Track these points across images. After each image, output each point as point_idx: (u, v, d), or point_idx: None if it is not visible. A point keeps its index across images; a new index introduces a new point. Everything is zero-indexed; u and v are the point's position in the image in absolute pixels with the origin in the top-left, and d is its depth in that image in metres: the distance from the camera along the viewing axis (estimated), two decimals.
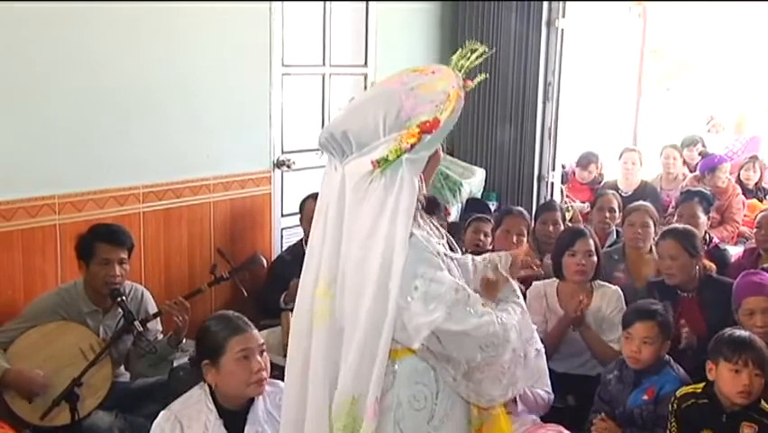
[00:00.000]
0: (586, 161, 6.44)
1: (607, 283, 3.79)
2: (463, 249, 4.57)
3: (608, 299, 3.68)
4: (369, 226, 1.83)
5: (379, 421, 1.85)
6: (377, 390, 1.83)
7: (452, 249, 2.06)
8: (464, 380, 1.90)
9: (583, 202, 6.10)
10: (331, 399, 1.89)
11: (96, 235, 3.34)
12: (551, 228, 4.60)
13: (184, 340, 3.35)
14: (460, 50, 1.96)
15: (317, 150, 1.98)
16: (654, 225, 4.32)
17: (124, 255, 3.36)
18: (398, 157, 1.81)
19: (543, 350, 3.27)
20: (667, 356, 3.15)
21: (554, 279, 3.79)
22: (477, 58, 1.93)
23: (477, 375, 1.90)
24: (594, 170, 6.41)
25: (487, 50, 1.96)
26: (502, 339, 1.87)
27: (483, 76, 1.99)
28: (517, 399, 3.05)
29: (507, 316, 1.94)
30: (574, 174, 6.58)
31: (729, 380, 2.74)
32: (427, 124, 1.82)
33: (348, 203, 1.86)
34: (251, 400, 2.54)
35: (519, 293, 2.09)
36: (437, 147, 1.93)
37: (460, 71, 1.92)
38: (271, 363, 2.59)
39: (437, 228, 2.04)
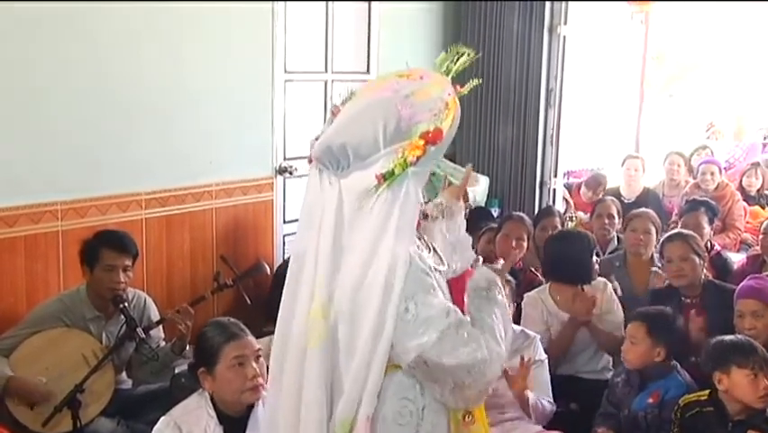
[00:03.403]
0: (596, 183, 6.34)
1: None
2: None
3: (601, 291, 3.73)
4: (371, 243, 1.78)
5: None
6: (369, 408, 1.80)
7: (441, 260, 1.98)
8: (451, 395, 1.85)
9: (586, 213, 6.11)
10: (328, 420, 1.85)
11: (102, 241, 3.34)
12: (550, 234, 4.59)
13: (188, 347, 3.35)
14: (444, 53, 1.92)
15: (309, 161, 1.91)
16: (657, 231, 4.32)
17: (129, 262, 3.36)
18: (404, 170, 1.77)
19: (546, 361, 3.29)
20: (674, 361, 3.14)
21: (544, 285, 3.80)
22: (465, 62, 1.88)
23: (465, 391, 1.85)
24: (601, 192, 6.37)
25: (474, 53, 1.93)
26: (489, 361, 1.81)
27: (476, 81, 1.93)
28: (530, 410, 3.07)
29: (490, 335, 1.85)
30: (579, 189, 6.56)
31: (747, 386, 2.72)
32: (430, 135, 1.79)
33: (347, 218, 1.80)
34: (252, 406, 2.53)
35: (500, 286, 2.00)
36: None
37: (447, 75, 1.88)
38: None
39: (424, 241, 1.98)
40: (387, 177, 1.76)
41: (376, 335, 1.77)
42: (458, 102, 1.85)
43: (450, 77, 1.88)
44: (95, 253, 3.31)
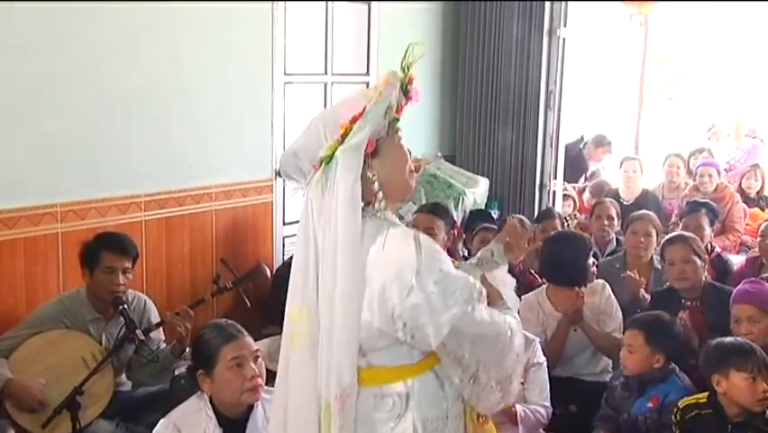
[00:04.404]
0: (599, 190, 6.39)
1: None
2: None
3: (599, 293, 3.73)
4: (322, 234, 1.88)
5: None
6: (337, 388, 1.86)
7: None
8: (470, 383, 1.92)
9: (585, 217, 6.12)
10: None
11: (102, 243, 3.34)
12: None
13: (187, 349, 3.35)
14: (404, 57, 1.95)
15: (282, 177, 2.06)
16: (657, 234, 4.32)
17: (128, 264, 3.36)
18: (334, 152, 1.85)
19: (545, 363, 3.28)
20: (673, 364, 3.14)
21: (541, 288, 3.81)
22: (416, 55, 1.91)
23: (483, 378, 1.92)
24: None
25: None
26: (509, 341, 1.92)
27: (418, 53, 1.92)
28: (518, 420, 3.06)
29: (512, 319, 1.98)
30: (581, 193, 6.57)
31: (747, 389, 2.72)
32: (357, 116, 1.87)
33: (315, 215, 1.90)
34: (251, 408, 2.53)
35: (509, 305, 2.10)
36: (393, 140, 1.94)
37: (407, 71, 1.92)
38: (270, 371, 2.58)
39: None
40: (322, 162, 1.86)
41: (345, 319, 1.84)
42: (393, 81, 1.90)
43: (404, 69, 1.92)
44: (94, 256, 3.31)
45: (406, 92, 1.91)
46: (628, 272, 3.98)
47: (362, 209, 1.89)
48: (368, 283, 1.85)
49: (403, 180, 1.98)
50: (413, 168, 2.02)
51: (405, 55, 1.90)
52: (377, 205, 1.92)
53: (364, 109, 1.87)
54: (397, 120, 1.94)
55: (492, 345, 1.90)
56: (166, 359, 3.37)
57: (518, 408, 3.07)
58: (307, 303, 1.92)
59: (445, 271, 1.84)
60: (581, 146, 7.44)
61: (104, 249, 3.31)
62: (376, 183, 1.90)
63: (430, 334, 1.82)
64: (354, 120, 1.86)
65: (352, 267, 1.84)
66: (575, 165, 7.01)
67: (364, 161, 1.86)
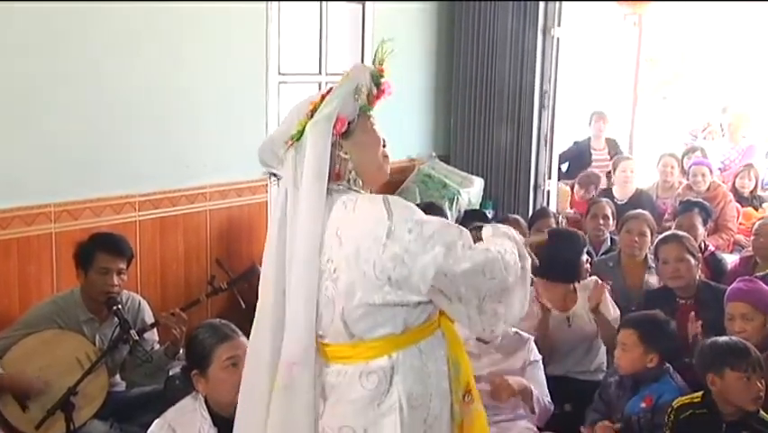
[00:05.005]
0: (587, 182, 6.43)
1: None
2: None
3: (590, 290, 3.71)
4: (289, 208, 1.95)
5: (383, 423, 1.91)
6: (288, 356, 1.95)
7: None
8: (478, 315, 1.93)
9: (583, 213, 6.13)
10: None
11: (96, 244, 3.34)
12: None
13: (181, 351, 3.35)
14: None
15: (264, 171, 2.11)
16: (651, 233, 4.33)
17: (123, 265, 3.35)
18: (304, 127, 1.93)
19: (540, 361, 3.29)
20: (667, 364, 3.14)
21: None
22: (385, 50, 2.03)
23: (489, 306, 1.94)
24: (593, 190, 6.43)
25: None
26: (502, 263, 1.93)
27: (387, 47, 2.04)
28: (534, 406, 3.09)
29: (499, 244, 2.00)
30: (573, 188, 6.59)
31: (741, 388, 2.73)
32: (324, 94, 1.99)
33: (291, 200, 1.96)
34: None
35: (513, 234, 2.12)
36: (365, 123, 2.01)
37: (380, 65, 2.03)
38: None
39: None
40: (292, 138, 1.94)
41: (299, 287, 1.93)
42: (362, 67, 2.04)
43: (376, 65, 2.04)
44: (89, 256, 3.30)
45: (377, 83, 1.99)
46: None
47: (336, 185, 1.97)
48: (342, 246, 1.90)
49: (376, 163, 2.05)
50: (386, 153, 2.08)
51: (375, 51, 2.02)
52: (350, 180, 2.00)
53: (332, 89, 1.98)
54: (369, 108, 2.01)
55: (486, 272, 1.90)
56: (160, 360, 3.36)
57: (534, 392, 3.09)
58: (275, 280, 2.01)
59: (417, 218, 1.89)
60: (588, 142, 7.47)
61: (98, 250, 3.30)
62: (350, 163, 1.98)
63: (417, 280, 1.85)
64: (323, 98, 1.97)
65: (311, 233, 1.91)
66: (582, 161, 7.05)
67: (336, 142, 1.93)
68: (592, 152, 7.11)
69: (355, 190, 2.00)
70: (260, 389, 2.02)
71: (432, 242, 1.85)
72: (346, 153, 1.97)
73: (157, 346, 3.47)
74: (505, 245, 1.99)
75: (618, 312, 3.69)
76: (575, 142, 7.32)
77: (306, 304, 1.93)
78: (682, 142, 8.47)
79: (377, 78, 2.00)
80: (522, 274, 2.01)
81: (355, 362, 1.95)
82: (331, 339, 1.98)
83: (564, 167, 7.00)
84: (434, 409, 1.97)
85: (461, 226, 1.97)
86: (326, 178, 1.92)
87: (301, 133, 1.94)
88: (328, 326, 1.97)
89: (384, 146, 2.07)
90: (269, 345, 2.00)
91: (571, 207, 6.38)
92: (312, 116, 1.94)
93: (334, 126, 1.93)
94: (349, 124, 1.96)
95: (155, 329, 3.49)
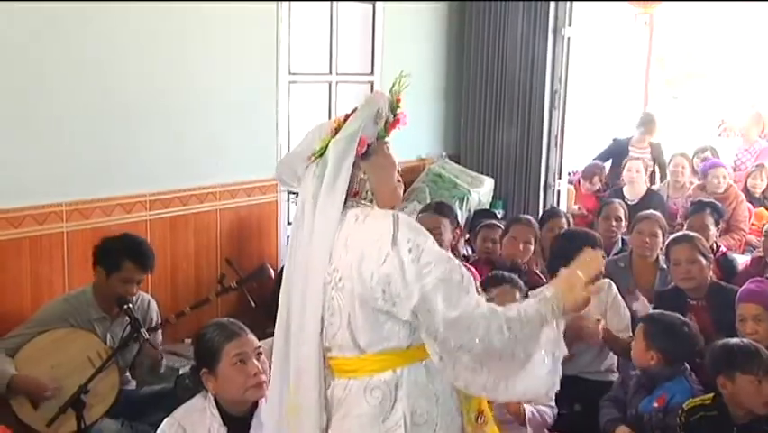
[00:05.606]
0: (590, 173, 6.52)
1: None
2: (475, 256, 4.60)
3: (605, 291, 3.67)
4: (306, 222, 1.99)
5: None
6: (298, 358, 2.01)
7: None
8: (451, 363, 1.89)
9: (589, 210, 6.12)
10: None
11: (127, 252, 3.32)
12: (557, 234, 4.58)
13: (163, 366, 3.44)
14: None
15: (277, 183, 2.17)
16: (663, 234, 4.30)
17: (144, 276, 3.37)
18: (327, 144, 1.97)
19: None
20: (685, 365, 3.11)
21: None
22: (403, 81, 2.08)
23: (464, 358, 1.89)
24: (597, 181, 6.46)
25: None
26: (488, 323, 1.86)
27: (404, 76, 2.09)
28: (526, 421, 3.06)
29: (502, 311, 1.91)
30: (579, 183, 6.60)
31: (753, 392, 2.70)
32: (348, 114, 2.03)
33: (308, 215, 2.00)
34: (254, 406, 2.53)
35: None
36: (381, 147, 2.05)
37: (396, 94, 2.08)
38: None
39: None
40: (315, 154, 1.98)
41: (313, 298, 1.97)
42: (383, 94, 2.07)
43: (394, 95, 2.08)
44: (116, 261, 3.29)
45: (394, 111, 2.05)
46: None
47: (351, 199, 2.00)
48: (347, 254, 1.93)
49: (391, 186, 2.10)
50: (400, 178, 2.14)
51: (393, 83, 2.06)
52: (365, 197, 2.04)
53: (356, 109, 2.02)
54: (386, 134, 2.06)
55: (469, 323, 1.85)
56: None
57: (527, 408, 3.07)
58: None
59: (419, 242, 1.89)
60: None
61: (127, 258, 3.30)
62: (367, 183, 2.03)
63: (403, 301, 1.86)
64: (347, 118, 2.01)
65: (323, 246, 1.94)
66: (621, 159, 6.95)
67: (356, 162, 1.97)
68: (630, 149, 7.00)
69: (369, 206, 2.03)
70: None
71: (426, 269, 1.85)
72: (365, 174, 2.02)
73: (160, 348, 3.49)
74: (508, 312, 1.90)
75: (629, 315, 3.66)
76: (614, 139, 7.29)
77: (313, 316, 1.97)
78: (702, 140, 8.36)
79: (394, 108, 2.05)
80: (523, 357, 1.92)
81: (360, 376, 1.96)
82: (337, 352, 2.00)
83: (608, 165, 7.01)
84: (441, 428, 1.96)
85: (464, 269, 1.93)
86: (344, 194, 1.96)
87: (324, 149, 1.97)
88: (334, 337, 1.98)
89: (399, 171, 2.13)
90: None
91: (576, 203, 6.38)
92: (335, 134, 1.98)
93: (357, 146, 1.97)
94: (368, 145, 2.01)
95: (159, 331, 3.51)
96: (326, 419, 2.01)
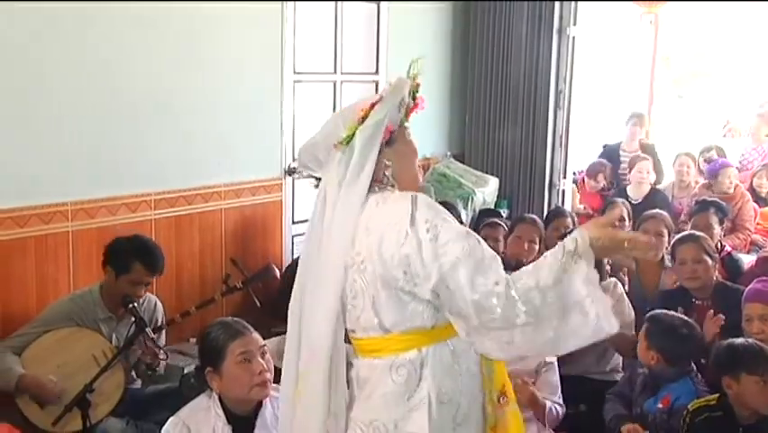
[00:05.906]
0: (594, 171, 6.51)
1: None
2: None
3: (610, 291, 3.65)
4: (328, 207, 2.00)
5: (412, 417, 1.92)
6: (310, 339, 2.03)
7: None
8: (477, 334, 1.90)
9: (594, 209, 6.11)
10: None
11: (137, 253, 3.33)
12: (563, 233, 4.58)
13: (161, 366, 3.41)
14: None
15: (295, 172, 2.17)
16: (669, 233, 4.29)
17: (152, 279, 3.39)
18: (354, 132, 1.98)
19: (555, 363, 3.27)
20: (692, 365, 3.10)
21: None
22: (418, 65, 2.10)
23: (491, 333, 1.87)
24: (602, 179, 6.44)
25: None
26: (505, 300, 1.82)
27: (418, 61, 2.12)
28: (545, 417, 3.07)
29: (525, 279, 1.85)
30: (583, 181, 6.60)
31: (758, 392, 2.70)
32: (375, 102, 2.02)
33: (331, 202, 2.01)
34: (259, 405, 2.53)
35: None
36: (403, 134, 2.07)
37: (414, 79, 2.10)
38: (279, 369, 2.58)
39: None
40: (341, 142, 2.00)
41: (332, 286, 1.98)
42: (405, 81, 2.07)
43: (411, 79, 2.09)
44: (126, 262, 3.30)
45: (413, 96, 2.08)
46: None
47: (373, 184, 2.01)
48: (369, 236, 1.94)
49: (413, 172, 2.12)
50: (420, 164, 2.16)
51: (409, 67, 2.08)
52: (387, 182, 2.04)
53: (381, 98, 2.03)
54: (406, 120, 2.09)
55: (485, 309, 1.83)
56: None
57: (547, 403, 3.07)
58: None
59: (438, 221, 1.88)
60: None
61: (138, 260, 3.31)
62: (390, 170, 2.04)
63: (423, 281, 1.87)
64: (373, 106, 2.01)
65: (345, 231, 1.96)
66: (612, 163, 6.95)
67: (381, 149, 2.00)
68: (621, 153, 6.95)
69: (390, 190, 2.04)
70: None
71: (444, 249, 1.85)
72: (388, 160, 2.04)
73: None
74: (531, 280, 1.85)
75: (633, 315, 3.66)
76: (604, 146, 7.24)
77: (325, 301, 1.99)
78: (707, 140, 8.33)
79: (413, 92, 2.08)
80: (556, 323, 1.85)
81: (386, 355, 1.97)
82: (362, 333, 2.01)
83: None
84: (464, 407, 1.97)
85: (486, 246, 1.89)
86: (369, 181, 1.98)
87: (351, 137, 1.99)
88: (358, 319, 1.99)
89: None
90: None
91: (581, 202, 6.37)
92: (362, 122, 2.00)
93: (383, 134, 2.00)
94: (391, 133, 2.03)
95: (163, 332, 3.51)
96: (350, 399, 2.04)
